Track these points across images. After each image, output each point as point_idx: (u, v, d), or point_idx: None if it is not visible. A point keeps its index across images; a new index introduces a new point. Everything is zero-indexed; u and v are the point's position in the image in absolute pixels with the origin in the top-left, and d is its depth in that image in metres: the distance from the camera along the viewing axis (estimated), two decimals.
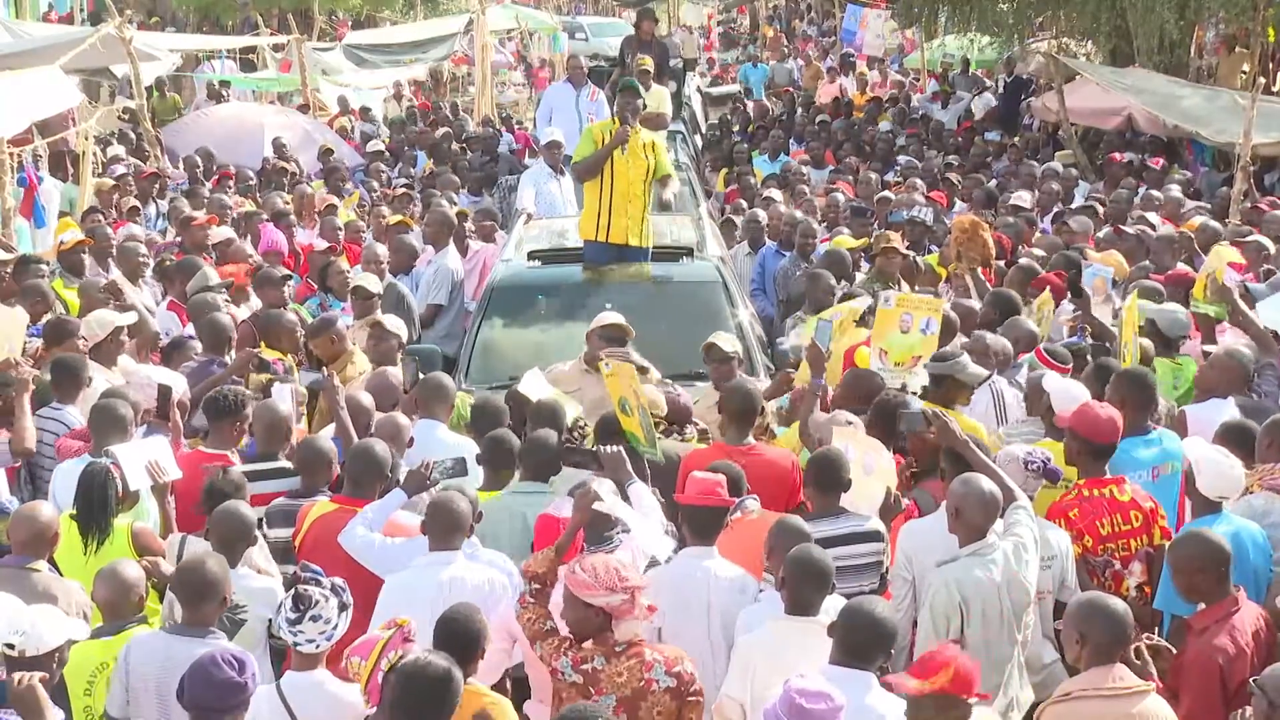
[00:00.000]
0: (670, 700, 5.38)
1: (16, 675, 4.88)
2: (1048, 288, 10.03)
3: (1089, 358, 8.54)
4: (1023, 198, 14.44)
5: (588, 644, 5.43)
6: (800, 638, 5.66)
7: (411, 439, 7.55)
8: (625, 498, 6.50)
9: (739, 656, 5.78)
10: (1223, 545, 5.90)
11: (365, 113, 25.21)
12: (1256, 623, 5.86)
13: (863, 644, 5.28)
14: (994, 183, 16.74)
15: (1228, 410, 7.70)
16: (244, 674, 4.92)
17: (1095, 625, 5.33)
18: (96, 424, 7.35)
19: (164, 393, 7.85)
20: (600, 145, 10.26)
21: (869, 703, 5.20)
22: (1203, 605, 5.87)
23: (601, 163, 10.20)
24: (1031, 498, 6.56)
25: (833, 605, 5.91)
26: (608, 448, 6.74)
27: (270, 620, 6.09)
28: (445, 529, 6.22)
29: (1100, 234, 12.57)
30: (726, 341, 8.51)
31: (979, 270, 10.95)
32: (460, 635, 5.30)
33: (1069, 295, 10.08)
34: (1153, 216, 12.99)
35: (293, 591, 5.43)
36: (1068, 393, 7.39)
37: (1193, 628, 5.85)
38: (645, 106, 10.67)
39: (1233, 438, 7.03)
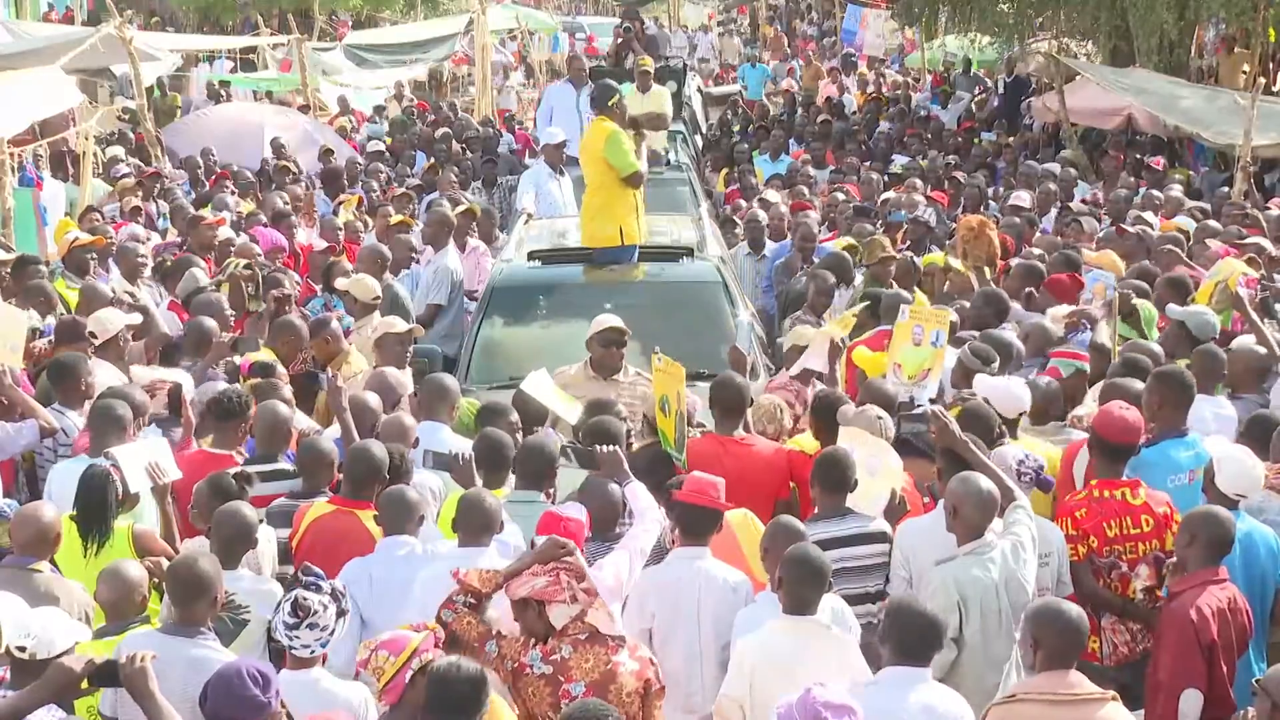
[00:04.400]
0: (636, 682, 5.43)
1: (129, 654, 4.88)
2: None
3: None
4: (1022, 198, 14.44)
5: (553, 638, 5.43)
6: (799, 637, 5.67)
7: (416, 440, 7.55)
8: (622, 497, 6.54)
9: (738, 657, 5.78)
10: (1227, 526, 6.06)
11: (380, 111, 25.28)
12: (1233, 601, 6.01)
13: (918, 642, 5.30)
14: (996, 187, 16.76)
15: (1209, 406, 7.73)
16: (268, 692, 4.90)
17: (1050, 630, 5.35)
18: (95, 424, 7.36)
19: (175, 391, 7.88)
20: (630, 150, 10.23)
21: (931, 702, 5.24)
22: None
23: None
24: None
25: (831, 605, 5.94)
26: (606, 448, 6.74)
27: (269, 621, 6.12)
28: (476, 525, 6.26)
29: (1101, 233, 12.59)
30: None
31: (985, 269, 10.96)
32: None
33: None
34: (1150, 216, 13.00)
35: (292, 595, 5.43)
36: (1005, 391, 7.46)
37: (1171, 591, 6.04)
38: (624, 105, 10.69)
39: (1256, 431, 7.12)
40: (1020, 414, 7.45)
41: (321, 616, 5.38)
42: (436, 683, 4.83)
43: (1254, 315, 8.99)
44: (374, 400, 7.95)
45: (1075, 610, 5.45)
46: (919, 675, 5.29)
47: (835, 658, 5.56)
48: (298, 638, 5.38)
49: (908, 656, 5.30)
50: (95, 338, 8.69)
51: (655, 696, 5.52)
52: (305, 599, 5.37)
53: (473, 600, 5.57)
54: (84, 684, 4.88)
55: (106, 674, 4.88)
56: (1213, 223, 12.62)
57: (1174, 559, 6.20)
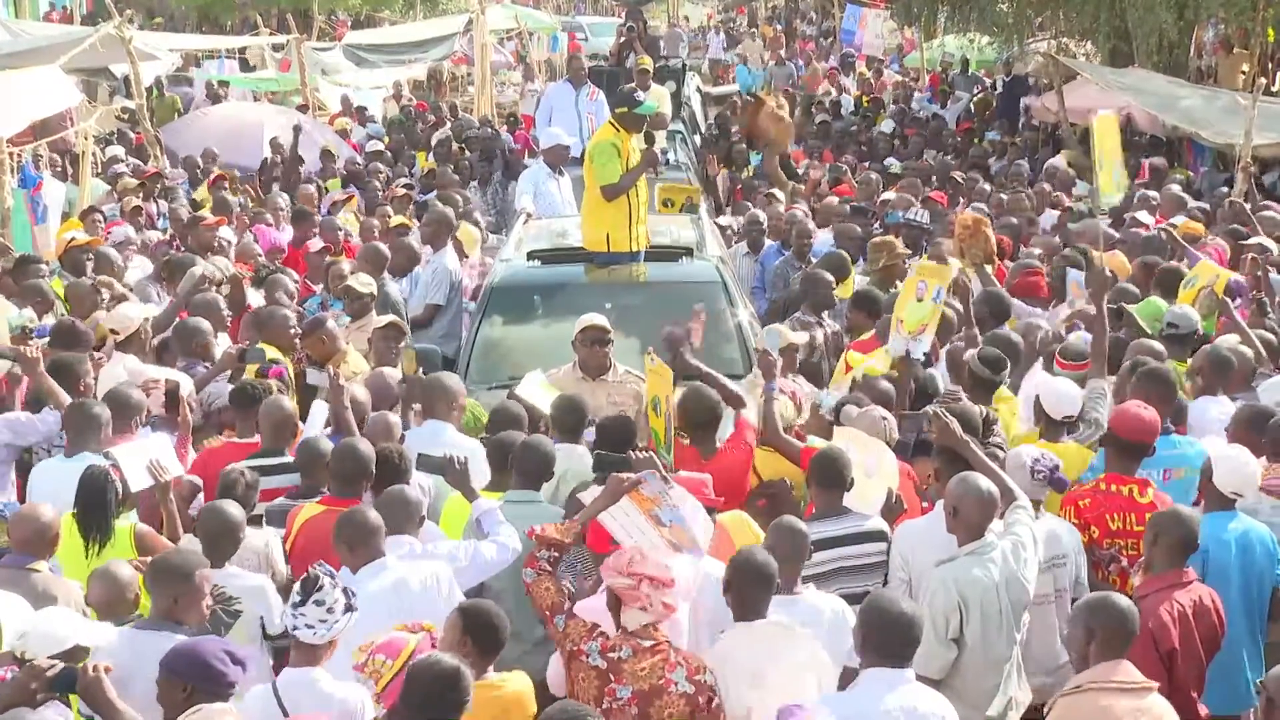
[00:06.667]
0: (684, 705, 5.33)
1: (87, 664, 4.91)
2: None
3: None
4: (1019, 199, 14.42)
5: (617, 634, 5.41)
6: (760, 642, 5.59)
7: (403, 437, 7.54)
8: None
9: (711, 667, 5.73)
10: (1189, 525, 6.07)
11: (361, 112, 25.19)
12: (1199, 603, 6.00)
13: (895, 642, 5.26)
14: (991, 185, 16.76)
15: (1215, 406, 7.77)
16: (230, 668, 4.99)
17: (1105, 620, 5.35)
18: (74, 423, 7.36)
19: (172, 389, 7.89)
20: (624, 159, 10.21)
21: (912, 704, 5.21)
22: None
23: (634, 182, 10.21)
24: (1039, 503, 6.56)
25: (831, 605, 5.92)
26: (637, 453, 6.54)
27: (263, 619, 6.12)
28: (363, 538, 6.12)
29: (1118, 234, 12.58)
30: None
31: (984, 267, 10.95)
32: (486, 626, 5.36)
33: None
34: (1145, 216, 12.99)
35: (303, 576, 5.43)
36: (1057, 391, 7.42)
37: (1134, 594, 6.03)
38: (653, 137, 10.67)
39: (1250, 424, 7.12)
40: (1068, 417, 7.41)
41: (328, 594, 5.35)
42: (411, 679, 4.81)
43: (1238, 317, 9.03)
44: (364, 394, 7.97)
45: (1126, 601, 5.48)
46: (900, 676, 5.25)
47: (801, 655, 5.52)
48: (303, 615, 5.35)
49: (886, 657, 5.25)
50: (118, 334, 8.78)
51: None
52: (314, 574, 5.37)
53: (555, 554, 5.64)
54: (42, 692, 4.90)
55: (64, 682, 4.91)
56: (1237, 226, 12.55)
57: (1144, 558, 6.20)
